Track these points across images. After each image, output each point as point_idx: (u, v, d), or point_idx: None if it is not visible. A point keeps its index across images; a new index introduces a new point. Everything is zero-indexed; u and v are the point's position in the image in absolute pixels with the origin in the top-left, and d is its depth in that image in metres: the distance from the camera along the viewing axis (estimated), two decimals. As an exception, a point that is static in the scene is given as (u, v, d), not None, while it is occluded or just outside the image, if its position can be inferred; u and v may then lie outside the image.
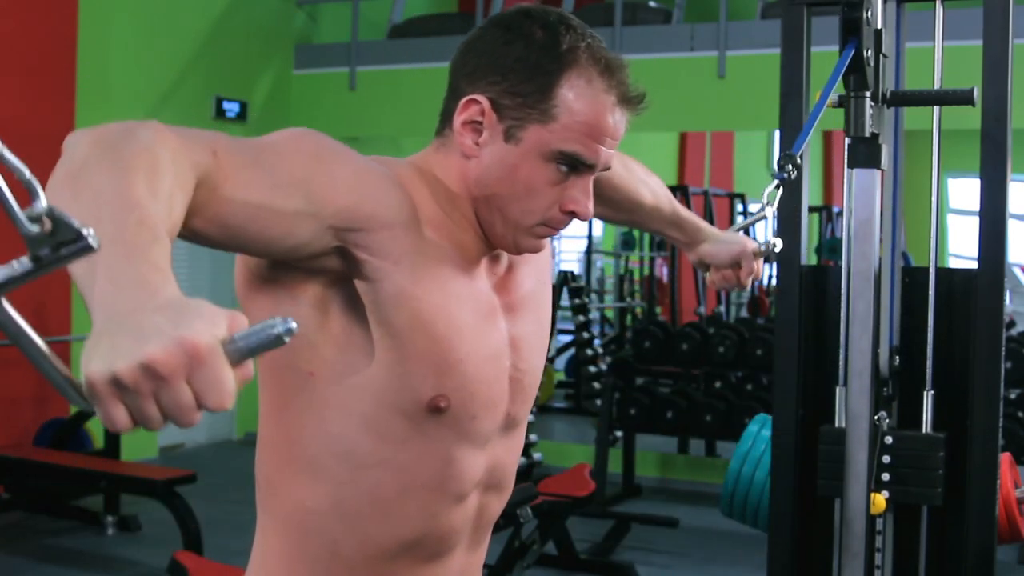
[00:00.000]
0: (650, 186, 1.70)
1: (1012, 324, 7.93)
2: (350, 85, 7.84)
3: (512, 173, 1.22)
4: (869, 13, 2.09)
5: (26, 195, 0.68)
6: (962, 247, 12.71)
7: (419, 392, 1.22)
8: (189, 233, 1.04)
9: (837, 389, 2.35)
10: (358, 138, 8.59)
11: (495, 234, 1.26)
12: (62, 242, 0.69)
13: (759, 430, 3.09)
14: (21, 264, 0.69)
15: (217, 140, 1.05)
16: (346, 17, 8.06)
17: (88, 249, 0.69)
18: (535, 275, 1.38)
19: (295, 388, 1.23)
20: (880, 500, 2.27)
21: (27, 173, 0.67)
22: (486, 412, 1.28)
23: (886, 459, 2.29)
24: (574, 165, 1.22)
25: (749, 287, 1.82)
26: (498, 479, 1.36)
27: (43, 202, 0.68)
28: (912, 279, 2.42)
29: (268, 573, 1.31)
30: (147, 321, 0.73)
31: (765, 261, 1.73)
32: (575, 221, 1.28)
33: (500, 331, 1.29)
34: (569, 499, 4.77)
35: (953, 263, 12.41)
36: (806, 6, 2.48)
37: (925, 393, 2.34)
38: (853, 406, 2.29)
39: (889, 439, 2.29)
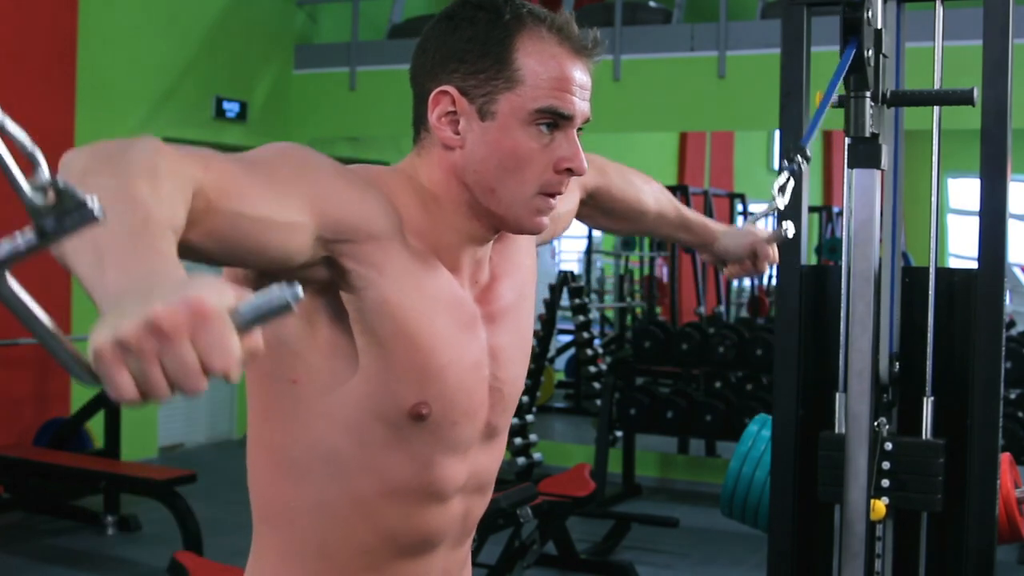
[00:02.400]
0: (652, 192, 1.72)
1: (1012, 324, 7.93)
2: (350, 85, 7.83)
3: (497, 148, 1.23)
4: (869, 13, 2.09)
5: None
6: (962, 247, 12.71)
7: (401, 400, 1.23)
8: (185, 247, 1.03)
9: (837, 396, 2.34)
10: (358, 138, 8.59)
11: (496, 218, 1.27)
12: (66, 212, 0.67)
13: (759, 430, 3.09)
14: (25, 238, 0.68)
15: (208, 155, 1.06)
16: (346, 17, 8.06)
17: (92, 219, 0.68)
18: (518, 287, 1.39)
19: (279, 395, 1.25)
20: (880, 506, 2.26)
21: (29, 143, 0.66)
22: (466, 420, 1.30)
23: (886, 465, 2.29)
24: (553, 121, 1.24)
25: (767, 271, 1.85)
26: (480, 483, 1.38)
27: (46, 172, 0.67)
28: (912, 279, 2.41)
29: (265, 569, 1.33)
30: (154, 289, 0.73)
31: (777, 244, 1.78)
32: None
33: (480, 341, 1.31)
34: (569, 499, 4.77)
35: (953, 263, 12.41)
36: (806, 6, 2.48)
37: (925, 399, 2.34)
38: (853, 406, 2.29)
39: (889, 445, 2.29)
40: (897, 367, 2.35)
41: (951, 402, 2.36)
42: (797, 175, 1.70)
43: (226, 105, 7.56)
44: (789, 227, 1.76)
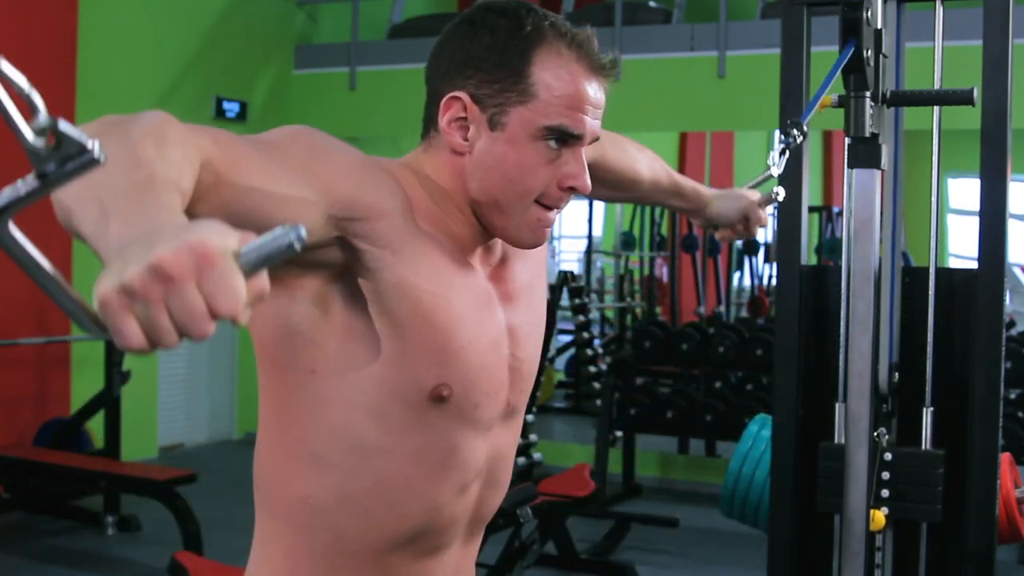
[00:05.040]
0: (646, 161, 1.74)
1: (1012, 324, 7.93)
2: (350, 85, 7.84)
3: (503, 158, 1.24)
4: (869, 13, 2.09)
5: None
6: (962, 247, 12.71)
7: (422, 381, 1.23)
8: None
9: (837, 406, 2.34)
10: (358, 138, 8.59)
11: (495, 227, 1.28)
12: (67, 157, 0.66)
13: (759, 430, 3.10)
14: (26, 183, 0.67)
15: (218, 131, 1.07)
16: (346, 17, 8.06)
17: (94, 162, 0.67)
18: (531, 269, 1.39)
19: (297, 387, 1.25)
20: (879, 516, 2.26)
21: (27, 86, 0.65)
22: (487, 400, 1.30)
23: (885, 475, 2.28)
24: (562, 138, 1.24)
25: (760, 230, 1.87)
26: (497, 472, 1.38)
27: (45, 115, 0.66)
28: (912, 279, 2.41)
29: (270, 568, 1.32)
30: (157, 236, 0.72)
31: (769, 207, 1.83)
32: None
33: (498, 319, 1.31)
34: (569, 499, 4.77)
35: (953, 263, 12.41)
36: (806, 6, 2.48)
37: (925, 410, 2.34)
38: (853, 409, 2.29)
39: (888, 455, 2.28)
40: (897, 377, 2.35)
41: (951, 404, 2.36)
42: (793, 148, 1.76)
43: (226, 105, 7.56)
44: (780, 191, 1.81)
